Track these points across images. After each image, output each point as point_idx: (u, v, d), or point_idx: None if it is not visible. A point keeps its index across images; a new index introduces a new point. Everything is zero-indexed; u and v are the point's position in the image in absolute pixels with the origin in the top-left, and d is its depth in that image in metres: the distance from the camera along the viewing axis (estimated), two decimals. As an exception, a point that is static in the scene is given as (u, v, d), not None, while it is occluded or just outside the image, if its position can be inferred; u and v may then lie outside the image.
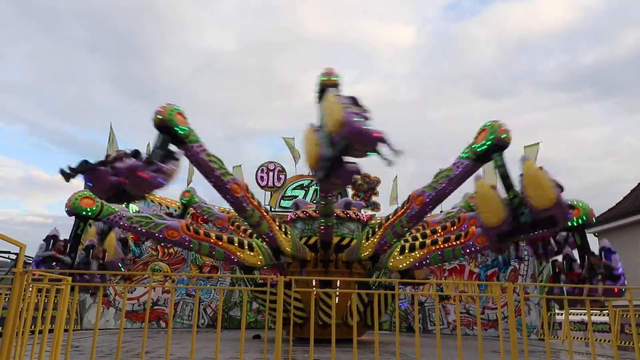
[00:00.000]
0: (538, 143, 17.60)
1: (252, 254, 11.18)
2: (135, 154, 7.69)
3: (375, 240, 11.09)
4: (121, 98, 66.36)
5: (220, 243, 10.88)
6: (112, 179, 7.23)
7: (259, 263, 11.23)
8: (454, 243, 10.55)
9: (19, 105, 61.14)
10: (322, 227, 11.22)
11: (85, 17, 60.06)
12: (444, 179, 9.18)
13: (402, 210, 10.41)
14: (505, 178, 7.84)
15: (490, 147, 8.09)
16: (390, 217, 10.92)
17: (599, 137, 63.50)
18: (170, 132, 8.36)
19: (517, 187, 7.81)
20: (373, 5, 64.63)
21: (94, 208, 9.72)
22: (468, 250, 10.52)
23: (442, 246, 10.74)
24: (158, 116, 8.27)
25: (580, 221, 9.22)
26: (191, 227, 10.84)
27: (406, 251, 11.13)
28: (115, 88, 65.36)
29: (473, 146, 8.59)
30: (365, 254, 11.28)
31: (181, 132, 8.56)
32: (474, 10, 73.13)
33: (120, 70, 65.01)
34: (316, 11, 65.22)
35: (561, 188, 7.58)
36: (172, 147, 8.57)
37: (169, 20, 61.53)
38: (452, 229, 13.08)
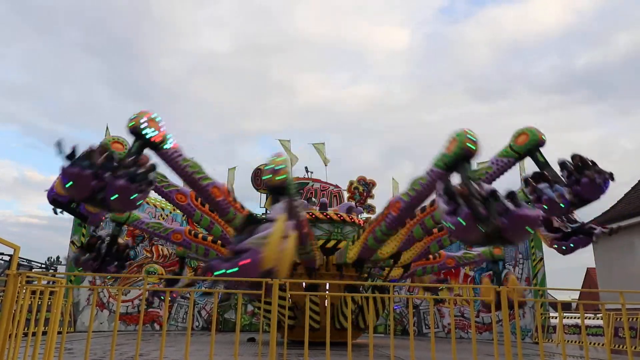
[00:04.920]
0: None
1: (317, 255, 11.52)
2: (110, 157, 6.91)
3: (359, 244, 10.95)
4: (116, 99, 66.23)
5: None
6: (94, 184, 6.58)
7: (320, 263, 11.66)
8: (421, 215, 10.54)
9: (12, 106, 60.91)
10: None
11: (80, 18, 59.99)
12: (482, 176, 9.33)
13: (382, 216, 10.10)
14: (549, 170, 8.83)
15: (533, 148, 8.92)
16: (373, 222, 10.81)
17: (592, 139, 64.13)
18: (144, 137, 7.82)
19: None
20: (367, 7, 64.92)
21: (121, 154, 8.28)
22: (389, 222, 10.06)
23: (413, 223, 10.65)
24: (131, 123, 7.73)
25: (531, 145, 9.05)
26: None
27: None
28: (110, 89, 65.24)
29: (513, 147, 9.16)
30: (350, 256, 11.27)
31: (154, 137, 7.98)
32: (468, 13, 73.64)
33: (115, 72, 64.92)
34: (311, 13, 65.48)
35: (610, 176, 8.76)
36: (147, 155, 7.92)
37: (163, 22, 61.57)
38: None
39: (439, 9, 73.48)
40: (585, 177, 8.79)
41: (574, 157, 9.25)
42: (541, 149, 9.16)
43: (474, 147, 7.10)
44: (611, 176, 9.03)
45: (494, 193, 6.42)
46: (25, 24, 58.83)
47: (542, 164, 9.06)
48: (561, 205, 8.85)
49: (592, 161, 9.10)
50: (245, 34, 62.99)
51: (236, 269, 5.92)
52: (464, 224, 6.22)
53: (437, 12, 73.59)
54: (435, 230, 11.40)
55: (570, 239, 10.03)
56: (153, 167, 7.42)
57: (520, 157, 9.26)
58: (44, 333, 5.55)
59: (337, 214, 12.98)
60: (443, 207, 6.59)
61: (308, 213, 13.26)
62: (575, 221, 10.29)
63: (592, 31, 60.17)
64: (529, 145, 9.08)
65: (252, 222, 6.58)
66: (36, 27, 60.23)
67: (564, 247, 10.04)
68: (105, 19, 59.17)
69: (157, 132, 8.03)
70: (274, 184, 7.28)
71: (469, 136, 7.20)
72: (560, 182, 8.89)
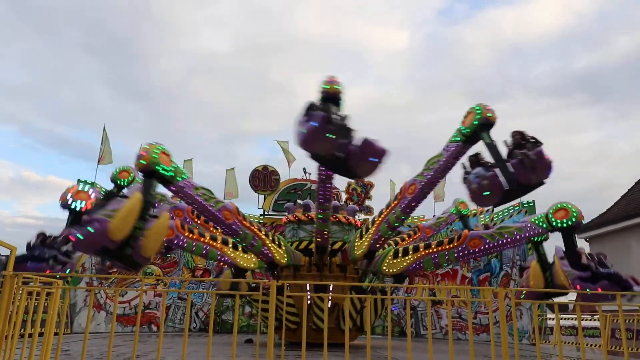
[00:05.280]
0: None
1: (281, 251, 11.42)
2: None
3: (369, 236, 11.05)
4: (115, 99, 66.13)
5: (267, 243, 11.02)
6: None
7: (283, 261, 11.50)
8: (447, 247, 10.59)
9: (10, 105, 60.73)
10: (319, 233, 11.19)
11: (79, 18, 59.84)
12: (434, 164, 9.26)
13: (395, 202, 10.40)
14: (495, 152, 8.08)
15: (478, 127, 8.32)
16: (383, 211, 10.95)
17: (591, 141, 64.13)
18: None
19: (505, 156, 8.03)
20: (367, 8, 64.94)
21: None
22: (461, 254, 10.55)
23: (435, 250, 10.75)
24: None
25: (569, 223, 9.22)
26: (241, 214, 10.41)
27: (400, 255, 11.16)
28: (109, 89, 65.11)
29: (461, 129, 8.71)
30: (360, 252, 11.26)
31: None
32: (468, 15, 73.69)
33: (114, 72, 64.78)
34: (310, 13, 65.44)
35: (540, 143, 7.78)
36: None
37: (163, 21, 61.46)
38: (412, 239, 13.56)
39: (438, 10, 73.84)
40: (513, 158, 7.58)
41: (514, 134, 7.97)
42: (490, 129, 8.23)
43: (328, 87, 7.61)
44: (538, 157, 7.40)
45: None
46: (24, 24, 58.68)
47: (489, 145, 8.07)
48: (485, 193, 7.69)
49: (532, 138, 7.83)
50: (245, 34, 63.13)
51: (82, 237, 6.57)
52: (317, 125, 6.68)
53: (437, 13, 74.03)
54: (432, 244, 11.08)
55: (600, 282, 8.16)
56: (62, 242, 8.37)
57: (468, 139, 8.57)
58: (41, 334, 5.53)
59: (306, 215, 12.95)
60: (300, 119, 7.06)
61: (292, 215, 13.28)
62: (606, 266, 8.74)
63: (590, 34, 60.67)
64: (474, 125, 8.29)
65: (109, 197, 7.28)
66: (36, 27, 60.10)
67: (588, 290, 8.04)
68: (105, 19, 59.06)
69: (85, 203, 8.38)
70: (139, 168, 7.95)
71: (326, 80, 7.77)
72: (502, 166, 7.66)
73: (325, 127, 6.73)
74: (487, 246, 10.28)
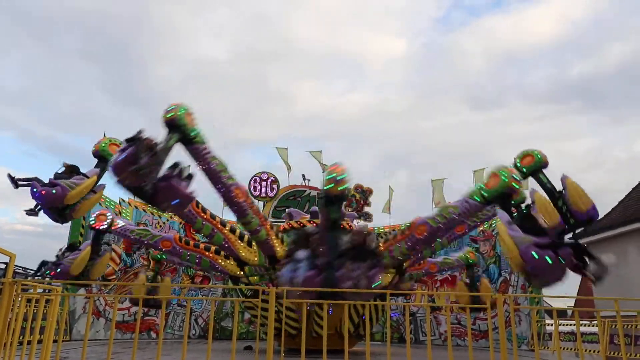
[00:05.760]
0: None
1: (250, 249, 11.90)
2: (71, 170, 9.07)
3: None
4: (114, 106, 66.32)
5: (231, 238, 11.50)
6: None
7: (252, 259, 11.93)
8: (400, 237, 10.46)
9: (9, 112, 60.85)
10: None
11: (78, 26, 60.16)
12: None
13: (402, 236, 10.39)
14: (332, 247, 7.97)
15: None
16: (390, 238, 10.91)
17: (586, 148, 64.47)
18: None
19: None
20: (365, 16, 65.47)
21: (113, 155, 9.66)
22: (410, 243, 10.19)
23: (390, 243, 10.59)
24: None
25: (499, 191, 8.32)
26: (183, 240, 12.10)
27: None
28: (108, 95, 65.32)
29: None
30: None
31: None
32: (464, 23, 74.30)
33: (113, 79, 65.03)
34: (309, 22, 65.92)
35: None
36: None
37: (162, 29, 61.83)
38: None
39: (435, 18, 74.52)
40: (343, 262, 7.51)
41: (355, 234, 8.08)
42: (339, 203, 8.24)
43: (163, 114, 8.05)
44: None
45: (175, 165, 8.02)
46: (23, 32, 58.98)
47: (332, 222, 7.99)
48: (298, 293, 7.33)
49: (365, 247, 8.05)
50: (243, 41, 63.55)
51: (44, 193, 8.18)
52: (123, 159, 7.25)
53: (434, 21, 74.67)
54: (390, 238, 11.03)
55: (562, 249, 6.83)
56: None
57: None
58: (40, 342, 5.53)
59: (297, 222, 12.97)
60: (122, 146, 7.69)
61: (281, 225, 13.39)
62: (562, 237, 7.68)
63: (585, 42, 61.32)
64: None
65: (73, 171, 8.95)
66: (34, 35, 60.41)
67: (547, 257, 6.64)
68: (103, 25, 59.47)
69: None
70: (93, 154, 9.46)
71: (166, 107, 8.15)
72: (328, 270, 7.46)
73: (130, 164, 7.20)
74: (432, 230, 9.69)
